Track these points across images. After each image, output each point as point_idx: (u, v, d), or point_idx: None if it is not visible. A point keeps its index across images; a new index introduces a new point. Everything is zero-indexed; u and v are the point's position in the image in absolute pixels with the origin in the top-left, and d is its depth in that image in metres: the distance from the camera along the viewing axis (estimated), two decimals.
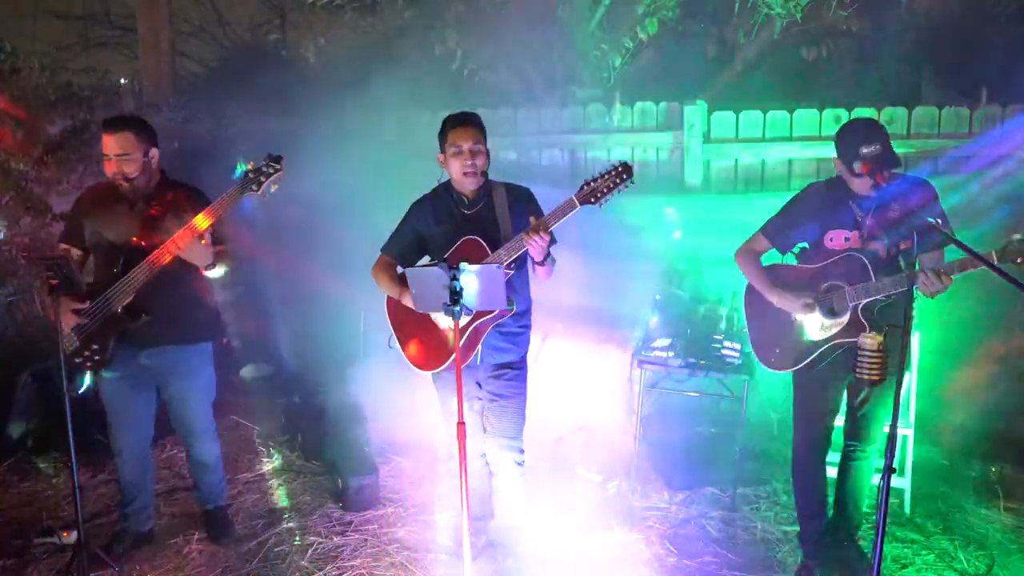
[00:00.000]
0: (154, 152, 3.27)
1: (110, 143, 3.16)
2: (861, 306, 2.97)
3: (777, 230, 3.26)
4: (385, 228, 3.27)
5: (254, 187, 3.08)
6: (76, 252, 3.34)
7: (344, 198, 5.34)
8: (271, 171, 3.08)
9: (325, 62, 7.18)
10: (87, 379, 3.29)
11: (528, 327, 3.26)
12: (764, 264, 3.30)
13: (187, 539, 3.67)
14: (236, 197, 3.09)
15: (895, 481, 3.79)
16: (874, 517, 2.49)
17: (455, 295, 2.54)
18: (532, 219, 2.88)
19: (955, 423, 4.42)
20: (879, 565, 2.39)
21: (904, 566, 3.42)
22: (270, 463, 4.57)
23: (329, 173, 5.50)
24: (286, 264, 5.65)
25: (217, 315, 3.58)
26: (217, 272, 3.25)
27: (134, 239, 3.20)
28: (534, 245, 2.86)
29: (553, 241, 2.97)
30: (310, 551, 3.56)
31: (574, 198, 2.88)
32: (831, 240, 3.09)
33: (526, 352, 3.27)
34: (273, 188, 3.10)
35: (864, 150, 2.87)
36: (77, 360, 3.19)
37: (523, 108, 5.83)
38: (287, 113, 6.42)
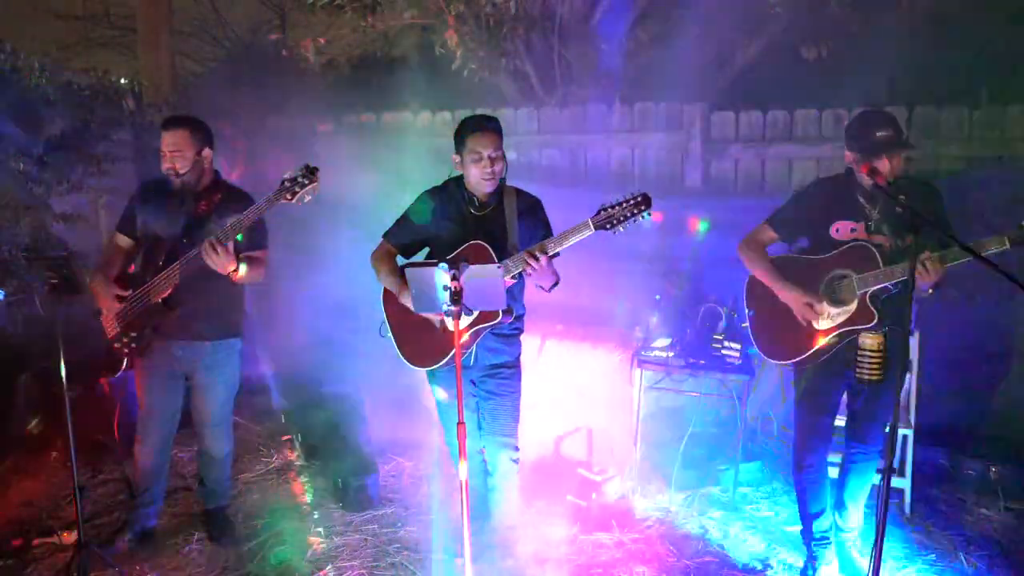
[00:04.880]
0: (207, 152, 3.39)
1: (165, 139, 3.30)
2: (869, 293, 2.98)
3: (784, 220, 3.26)
4: (384, 228, 3.27)
5: (288, 196, 3.07)
6: (126, 240, 3.47)
7: (344, 198, 5.34)
8: (307, 182, 3.08)
9: (325, 62, 7.18)
10: (123, 364, 3.39)
11: (521, 330, 3.28)
12: (769, 255, 3.29)
13: (187, 539, 3.67)
14: (271, 204, 3.11)
15: (895, 481, 3.80)
16: (874, 517, 2.49)
17: (455, 295, 2.54)
18: (540, 244, 2.87)
19: (955, 423, 4.42)
20: (879, 565, 2.40)
21: (904, 566, 3.42)
22: (270, 463, 4.57)
23: (329, 173, 5.49)
24: (285, 264, 5.65)
25: (244, 314, 3.65)
26: (245, 277, 3.30)
27: (178, 234, 3.30)
28: (533, 272, 2.85)
29: (555, 255, 2.95)
30: (310, 551, 3.57)
31: (590, 222, 2.84)
32: (837, 231, 3.08)
33: (519, 354, 3.28)
34: (307, 199, 3.10)
35: (879, 134, 2.88)
36: (116, 346, 3.35)
37: (523, 108, 5.83)
38: (287, 113, 6.42)
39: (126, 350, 3.35)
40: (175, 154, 3.29)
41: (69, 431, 3.02)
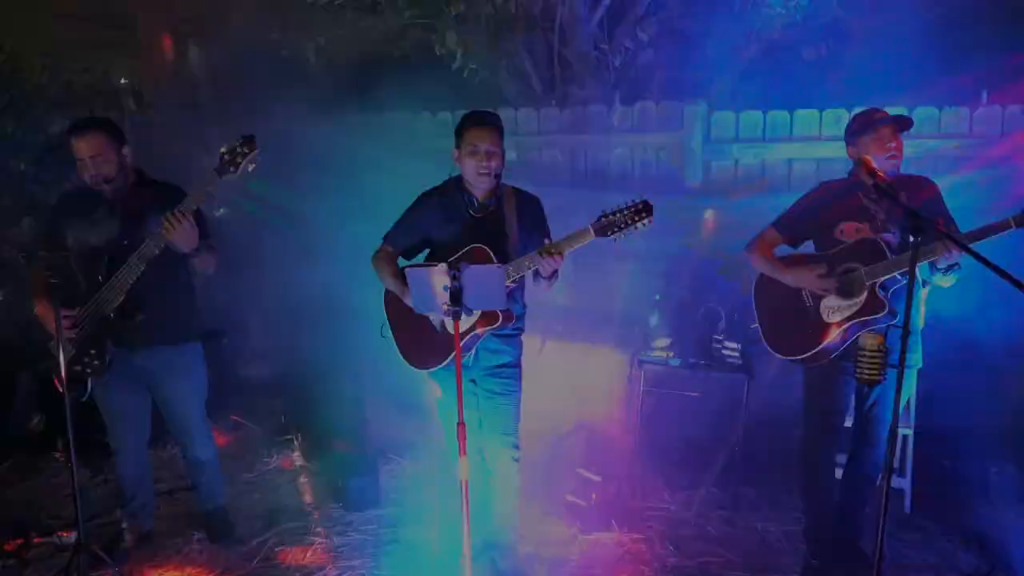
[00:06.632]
0: (126, 149, 3.23)
1: (83, 146, 3.09)
2: (878, 284, 3.00)
3: (789, 223, 3.29)
4: (385, 229, 3.27)
5: (231, 169, 3.01)
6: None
7: (344, 198, 5.33)
8: (246, 150, 3.02)
9: (325, 62, 7.17)
10: (88, 385, 3.22)
11: (522, 330, 3.28)
12: (776, 255, 3.31)
13: (187, 539, 3.67)
14: (215, 181, 3.03)
15: (895, 481, 3.80)
16: (875, 517, 2.49)
17: (456, 295, 2.54)
18: (547, 242, 2.91)
19: (955, 423, 4.41)
20: (879, 565, 2.40)
21: (904, 566, 3.42)
22: (270, 463, 4.57)
23: (329, 173, 5.50)
24: (285, 264, 5.65)
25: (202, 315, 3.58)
26: (203, 263, 3.23)
27: (115, 241, 3.15)
28: (548, 269, 2.89)
29: None
30: (310, 551, 3.56)
31: (590, 228, 2.87)
32: (841, 232, 3.12)
33: (520, 354, 3.28)
34: (250, 168, 3.04)
35: (876, 115, 2.99)
36: (76, 368, 3.15)
37: (523, 108, 5.83)
38: (286, 113, 6.42)
39: (88, 370, 3.16)
40: (98, 159, 3.09)
41: (69, 431, 3.01)
